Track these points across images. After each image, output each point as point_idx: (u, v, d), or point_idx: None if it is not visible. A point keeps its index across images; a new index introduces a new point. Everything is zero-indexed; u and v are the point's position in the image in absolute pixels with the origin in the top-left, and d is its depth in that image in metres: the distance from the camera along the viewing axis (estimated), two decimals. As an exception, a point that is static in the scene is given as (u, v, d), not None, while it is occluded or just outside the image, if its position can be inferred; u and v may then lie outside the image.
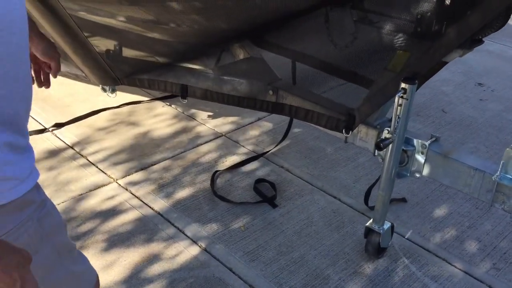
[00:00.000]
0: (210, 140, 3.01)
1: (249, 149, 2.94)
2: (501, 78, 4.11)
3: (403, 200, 2.57)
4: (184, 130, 3.10)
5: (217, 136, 3.06)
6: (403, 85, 1.78)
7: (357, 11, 1.99)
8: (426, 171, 1.96)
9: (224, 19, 2.23)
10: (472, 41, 1.69)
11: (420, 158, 1.95)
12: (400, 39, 1.86)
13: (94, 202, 2.47)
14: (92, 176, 2.65)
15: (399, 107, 1.82)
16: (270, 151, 2.90)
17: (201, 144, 2.96)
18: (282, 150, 2.94)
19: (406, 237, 2.34)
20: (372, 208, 2.48)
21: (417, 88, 1.90)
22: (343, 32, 2.03)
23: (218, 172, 2.68)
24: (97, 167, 2.72)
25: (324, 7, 2.08)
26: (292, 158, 2.87)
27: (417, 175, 1.98)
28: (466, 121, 3.42)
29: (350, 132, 2.05)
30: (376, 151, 2.00)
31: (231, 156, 2.86)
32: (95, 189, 2.55)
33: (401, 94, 1.79)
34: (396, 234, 2.34)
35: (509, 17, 1.64)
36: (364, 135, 2.10)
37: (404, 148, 1.94)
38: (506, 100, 3.72)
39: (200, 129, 3.13)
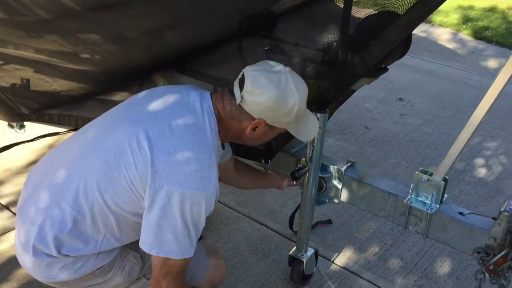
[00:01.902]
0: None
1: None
2: (419, 92, 4.29)
3: (329, 222, 2.59)
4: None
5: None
6: (315, 114, 1.79)
7: (269, 41, 1.99)
8: (343, 196, 1.98)
9: (143, 49, 2.16)
10: (377, 70, 1.73)
11: (337, 184, 1.97)
12: (310, 68, 1.87)
13: (4, 248, 2.29)
14: (3, 221, 2.47)
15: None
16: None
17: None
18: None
19: (332, 260, 2.35)
20: (297, 232, 2.48)
21: (329, 117, 1.92)
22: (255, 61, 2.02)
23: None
24: (10, 210, 2.54)
25: (237, 37, 2.07)
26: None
27: (336, 201, 1.99)
28: (388, 137, 3.52)
29: (269, 161, 2.04)
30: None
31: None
32: (4, 234, 2.38)
33: (316, 122, 1.79)
34: (322, 258, 2.35)
35: (409, 46, 1.69)
36: (283, 163, 2.09)
37: (321, 175, 1.94)
38: (425, 114, 3.88)
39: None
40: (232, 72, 2.29)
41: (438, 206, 1.75)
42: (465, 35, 5.87)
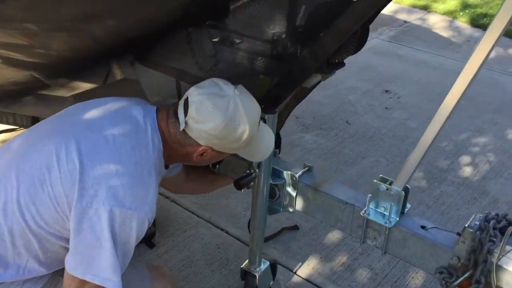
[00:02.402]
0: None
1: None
2: (408, 83, 4.06)
3: (295, 227, 2.40)
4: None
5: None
6: (262, 114, 1.58)
7: (217, 31, 1.78)
8: (298, 205, 1.78)
9: (84, 38, 1.97)
10: (330, 65, 1.52)
11: (291, 191, 1.77)
12: (260, 62, 1.67)
13: None
14: None
15: (259, 141, 1.62)
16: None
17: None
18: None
19: (294, 271, 2.16)
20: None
21: (284, 120, 1.72)
22: (204, 54, 1.81)
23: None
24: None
25: (184, 26, 1.86)
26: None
27: (290, 210, 1.79)
28: (369, 132, 3.31)
29: (217, 166, 1.84)
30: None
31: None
32: None
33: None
34: (284, 268, 2.16)
35: (366, 38, 1.48)
36: (234, 167, 1.89)
37: (273, 182, 1.75)
38: (411, 107, 3.66)
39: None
40: (194, 66, 2.09)
41: (397, 219, 1.55)
42: (462, 22, 5.60)
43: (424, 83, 4.04)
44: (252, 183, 1.70)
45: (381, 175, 1.61)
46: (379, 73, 4.24)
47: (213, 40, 1.77)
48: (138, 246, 2.24)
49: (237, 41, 1.72)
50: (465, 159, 3.06)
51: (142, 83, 2.42)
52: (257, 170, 1.66)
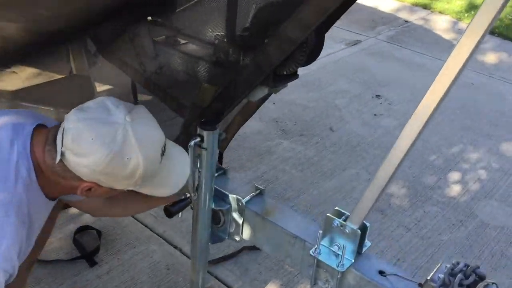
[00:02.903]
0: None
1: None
2: (402, 88, 3.81)
3: (256, 248, 2.16)
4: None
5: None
6: (199, 130, 1.35)
7: (159, 29, 1.55)
8: (246, 234, 1.55)
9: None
10: (278, 77, 1.28)
11: (238, 218, 1.54)
12: (203, 68, 1.43)
13: None
14: None
15: (196, 159, 1.39)
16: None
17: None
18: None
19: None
20: (214, 261, 2.06)
21: (228, 141, 1.49)
22: (146, 54, 1.58)
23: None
24: None
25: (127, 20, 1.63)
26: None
27: (237, 238, 1.56)
28: (353, 141, 3.07)
29: None
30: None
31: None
32: None
33: (198, 142, 1.36)
34: (237, 296, 1.94)
35: (319, 49, 1.24)
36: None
37: (216, 208, 1.51)
38: (402, 115, 3.41)
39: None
40: (140, 67, 1.86)
41: (352, 260, 1.31)
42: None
43: (419, 89, 3.77)
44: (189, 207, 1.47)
45: (336, 208, 1.37)
46: (372, 75, 3.98)
47: (154, 39, 1.54)
48: (77, 263, 2.06)
49: (179, 42, 1.48)
50: (454, 176, 2.82)
51: (99, 79, 2.19)
52: (194, 194, 1.43)
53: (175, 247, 2.14)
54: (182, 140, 1.51)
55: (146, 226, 2.23)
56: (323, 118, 3.29)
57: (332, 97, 3.57)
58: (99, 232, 2.13)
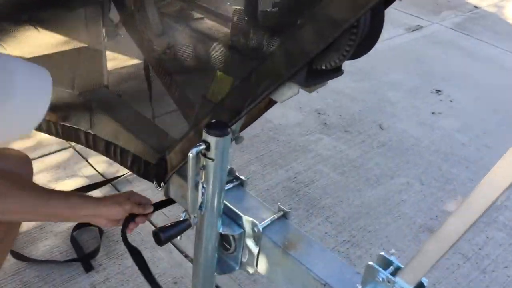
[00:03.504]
0: (53, 152, 2.25)
1: (98, 170, 2.18)
2: (467, 84, 3.32)
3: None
4: (22, 137, 2.33)
5: (64, 147, 2.29)
6: (204, 136, 1.02)
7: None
8: (262, 267, 1.21)
9: None
10: (313, 72, 0.92)
11: (253, 245, 1.20)
12: (219, 53, 1.09)
13: None
14: None
15: (201, 171, 1.06)
16: (125, 175, 2.15)
17: (38, 158, 2.20)
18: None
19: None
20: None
21: (238, 140, 1.15)
22: (151, 31, 1.25)
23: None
24: None
25: None
26: (152, 188, 2.12)
27: (250, 270, 1.23)
28: (406, 143, 2.66)
29: (162, 184, 1.31)
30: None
31: (67, 180, 2.11)
32: None
33: (203, 151, 1.03)
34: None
35: (376, 37, 0.87)
36: (184, 192, 1.34)
37: (224, 232, 1.18)
38: (465, 116, 2.95)
39: (43, 136, 2.36)
40: (149, 45, 1.55)
41: (400, 330, 0.96)
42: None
43: (486, 86, 3.28)
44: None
45: (381, 253, 1.01)
46: (431, 67, 3.51)
47: (161, 12, 1.21)
48: (71, 266, 1.80)
49: (190, 16, 1.14)
50: (526, 195, 2.37)
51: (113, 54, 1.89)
52: (194, 216, 1.10)
53: (186, 256, 1.84)
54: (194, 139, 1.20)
55: (155, 227, 1.94)
56: (372, 113, 2.89)
57: (385, 89, 3.15)
58: (100, 231, 1.86)
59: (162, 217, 1.98)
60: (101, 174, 2.16)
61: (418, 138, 2.70)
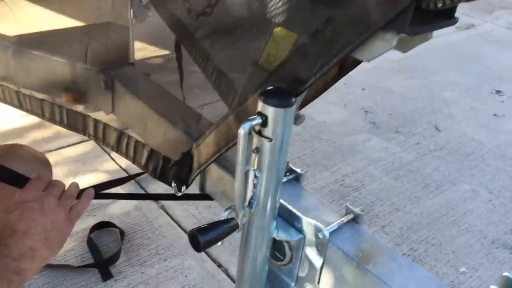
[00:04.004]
0: (73, 144, 2.03)
1: (120, 165, 1.94)
2: (530, 85, 2.99)
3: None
4: (39, 126, 2.11)
5: (84, 139, 2.07)
6: (260, 107, 0.75)
7: None
8: (326, 284, 0.94)
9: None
10: (421, 15, 0.64)
11: (315, 256, 0.93)
12: (280, 1, 0.83)
13: None
14: None
15: (254, 156, 0.79)
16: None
17: (55, 150, 1.98)
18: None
19: None
20: None
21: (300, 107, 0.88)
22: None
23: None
24: None
25: None
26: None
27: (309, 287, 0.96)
28: (466, 147, 2.34)
29: (184, 188, 1.04)
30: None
31: (87, 175, 1.87)
32: None
33: (257, 127, 0.76)
34: None
35: None
36: (228, 188, 1.08)
37: (279, 238, 0.91)
38: (532, 119, 2.62)
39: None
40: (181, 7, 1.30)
41: None
42: None
43: (553, 88, 2.94)
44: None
45: (505, 274, 0.73)
46: (488, 67, 3.19)
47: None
48: (87, 272, 1.56)
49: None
50: None
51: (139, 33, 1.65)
52: (243, 215, 0.84)
53: (219, 266, 1.58)
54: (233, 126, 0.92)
55: (185, 231, 1.68)
56: (426, 113, 2.58)
57: (438, 88, 2.84)
58: (122, 233, 1.62)
59: (192, 220, 1.72)
60: (124, 170, 1.92)
61: (481, 142, 2.38)
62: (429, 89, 2.81)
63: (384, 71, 2.91)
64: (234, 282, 1.52)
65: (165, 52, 1.93)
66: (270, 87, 0.77)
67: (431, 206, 1.93)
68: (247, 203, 0.84)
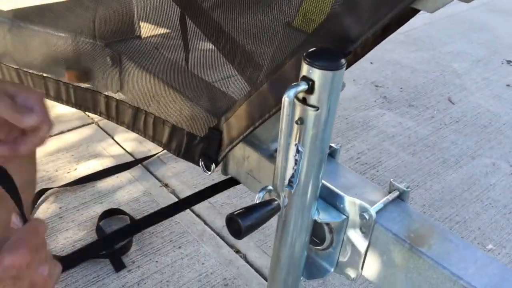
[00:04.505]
0: (74, 128, 1.92)
1: (126, 149, 1.84)
2: (541, 54, 2.90)
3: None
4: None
5: (86, 122, 1.96)
6: (305, 71, 0.66)
7: None
8: (370, 270, 0.85)
9: None
10: None
11: (359, 239, 0.84)
12: None
13: None
14: None
15: (297, 128, 0.70)
16: (158, 154, 1.81)
17: (56, 134, 1.87)
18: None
19: None
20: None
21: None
22: None
23: (50, 191, 1.60)
24: None
25: None
26: (193, 168, 1.78)
27: (352, 275, 0.87)
28: (483, 119, 2.26)
29: (213, 167, 0.95)
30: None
31: (91, 160, 1.77)
32: None
33: (301, 94, 0.67)
34: None
35: None
36: (255, 168, 0.99)
37: (320, 219, 0.82)
38: (546, 88, 2.54)
39: (64, 109, 2.03)
40: None
41: None
42: None
43: None
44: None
45: None
46: (496, 36, 3.09)
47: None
48: (98, 263, 1.48)
49: None
50: None
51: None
52: (284, 195, 0.74)
53: (237, 252, 1.49)
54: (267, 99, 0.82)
55: (199, 216, 1.59)
56: (438, 85, 2.49)
57: (448, 59, 2.74)
58: (132, 220, 1.52)
59: (204, 204, 1.63)
60: (129, 153, 1.82)
61: (497, 114, 2.30)
62: (438, 61, 2.72)
63: (390, 43, 2.81)
64: (253, 268, 1.44)
65: (172, 25, 1.82)
66: (314, 48, 0.68)
67: (452, 181, 1.86)
68: (286, 182, 0.75)
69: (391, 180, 0.89)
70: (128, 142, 1.87)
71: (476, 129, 2.17)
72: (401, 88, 2.43)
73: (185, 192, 1.67)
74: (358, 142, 2.02)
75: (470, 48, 2.90)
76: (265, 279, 1.41)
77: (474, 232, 1.64)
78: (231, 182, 1.03)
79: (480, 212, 1.73)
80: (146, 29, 1.33)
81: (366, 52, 0.86)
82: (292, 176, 0.74)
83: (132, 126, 1.06)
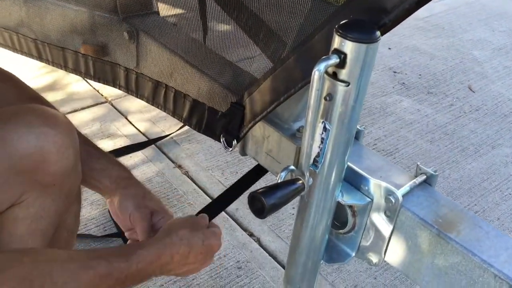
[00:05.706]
0: (87, 107, 1.90)
1: (139, 129, 1.82)
2: None
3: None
4: (51, 88, 1.98)
5: (99, 101, 1.94)
6: (337, 43, 0.62)
7: None
8: (393, 256, 0.82)
9: None
10: None
11: (383, 225, 0.81)
12: None
13: None
14: None
15: (325, 104, 0.66)
16: (172, 135, 1.79)
17: (69, 113, 1.85)
18: (193, 135, 1.81)
19: None
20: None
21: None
22: None
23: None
24: None
25: None
26: (206, 150, 1.75)
27: (374, 259, 0.84)
28: (504, 108, 2.20)
29: (234, 143, 0.92)
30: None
31: (104, 140, 1.75)
32: None
33: (331, 69, 0.63)
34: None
35: None
36: (275, 148, 0.95)
37: (344, 201, 0.79)
38: None
39: (78, 87, 2.00)
40: None
41: None
42: None
43: None
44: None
45: None
46: (519, 24, 3.01)
47: None
48: (110, 241, 1.39)
49: None
50: None
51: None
52: (309, 174, 0.71)
53: (251, 235, 1.47)
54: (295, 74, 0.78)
55: (211, 198, 1.57)
56: (457, 73, 2.43)
57: (468, 47, 2.68)
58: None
59: (218, 187, 1.61)
60: (143, 134, 1.79)
61: (518, 103, 2.24)
62: (458, 48, 2.65)
63: (409, 29, 2.75)
64: (267, 252, 1.42)
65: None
66: (346, 20, 0.64)
67: (471, 170, 1.81)
68: (311, 161, 0.72)
69: (418, 163, 0.86)
70: (142, 122, 1.85)
71: (497, 118, 2.12)
72: (420, 74, 2.38)
73: (198, 173, 1.65)
74: (375, 128, 1.98)
75: (491, 36, 2.83)
76: (279, 263, 1.39)
77: (493, 222, 1.60)
78: (260, 170, 1.00)
79: (499, 202, 1.69)
80: (164, 5, 1.30)
81: (395, 25, 0.82)
82: (318, 155, 0.71)
83: (152, 100, 1.03)
